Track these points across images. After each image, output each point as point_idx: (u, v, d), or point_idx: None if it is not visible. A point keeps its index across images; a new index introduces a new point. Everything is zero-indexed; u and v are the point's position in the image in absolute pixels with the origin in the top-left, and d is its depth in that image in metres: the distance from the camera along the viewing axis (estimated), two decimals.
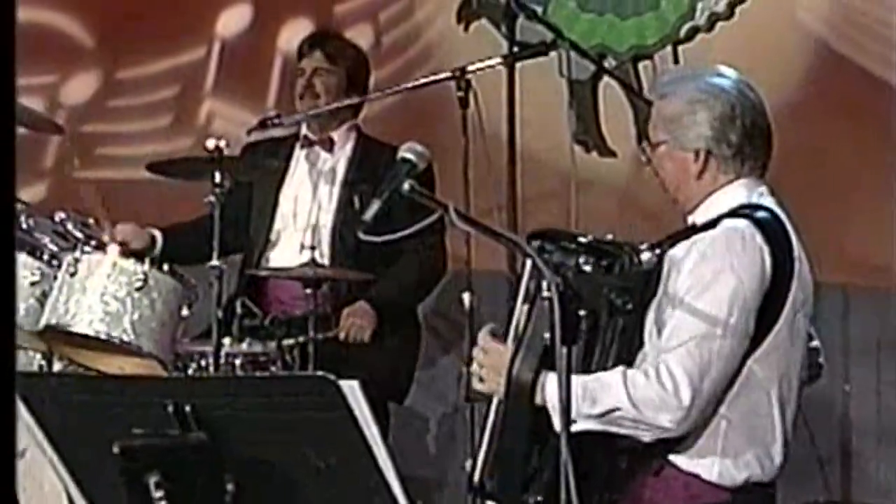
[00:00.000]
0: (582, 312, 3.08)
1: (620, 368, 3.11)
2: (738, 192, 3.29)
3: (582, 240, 3.21)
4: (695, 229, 3.24)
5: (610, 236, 3.28)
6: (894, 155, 5.18)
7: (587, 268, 3.12)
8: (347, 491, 2.84)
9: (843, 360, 5.25)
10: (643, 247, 3.15)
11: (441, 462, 5.35)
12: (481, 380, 3.22)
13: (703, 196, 3.29)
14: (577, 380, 2.99)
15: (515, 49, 4.59)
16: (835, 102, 5.27)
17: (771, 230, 3.21)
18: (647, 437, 3.13)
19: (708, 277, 3.15)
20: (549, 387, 3.08)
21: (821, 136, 5.16)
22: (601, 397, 3.07)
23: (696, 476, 3.19)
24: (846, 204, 5.17)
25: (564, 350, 2.84)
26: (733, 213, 3.23)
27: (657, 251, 3.15)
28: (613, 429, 3.11)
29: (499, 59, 4.57)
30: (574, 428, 2.93)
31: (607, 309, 3.14)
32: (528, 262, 3.20)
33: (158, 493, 2.70)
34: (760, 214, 3.22)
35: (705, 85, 3.32)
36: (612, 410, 3.08)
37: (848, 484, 5.16)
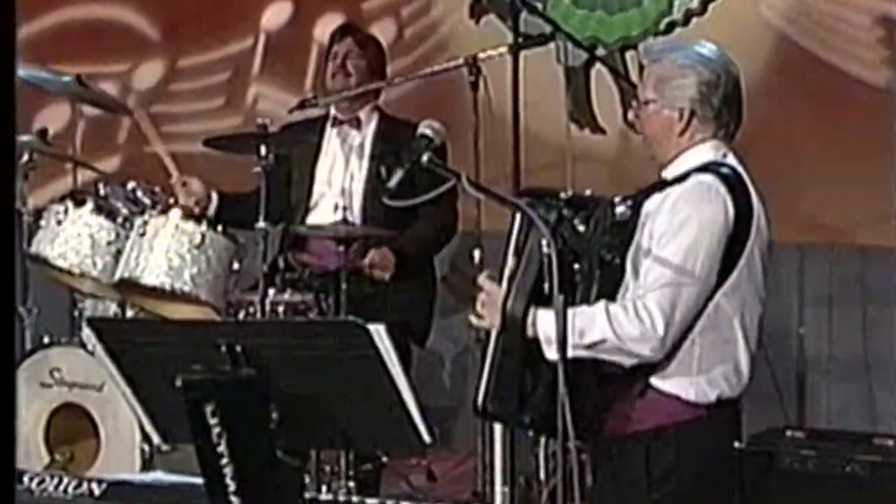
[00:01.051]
0: (576, 266, 3.08)
1: (603, 304, 3.09)
2: (707, 151, 3.25)
3: (563, 195, 3.20)
4: (666, 183, 3.23)
5: (588, 192, 3.26)
6: (844, 131, 5.15)
7: (581, 227, 3.12)
8: (374, 418, 2.83)
9: (799, 307, 5.26)
10: (617, 200, 3.15)
11: (455, 394, 5.35)
12: (481, 317, 3.21)
13: (679, 152, 3.26)
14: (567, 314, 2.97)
15: (519, 40, 4.57)
16: (793, 86, 5.24)
17: (733, 184, 3.19)
18: (628, 363, 3.12)
19: (678, 225, 3.14)
20: (539, 321, 3.08)
21: (781, 115, 5.13)
22: (589, 330, 3.05)
23: (675, 396, 3.17)
24: (802, 172, 5.14)
25: (561, 298, 2.83)
26: (702, 169, 3.20)
27: (630, 203, 3.15)
28: (601, 356, 3.10)
29: (505, 49, 4.54)
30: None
31: (598, 262, 3.14)
32: (517, 219, 3.19)
33: (214, 420, 2.70)
34: (724, 171, 3.20)
35: (694, 53, 3.28)
36: (599, 342, 3.07)
37: (802, 411, 5.16)
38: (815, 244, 5.21)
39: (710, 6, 5.31)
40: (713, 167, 3.21)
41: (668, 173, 3.26)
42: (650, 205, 3.19)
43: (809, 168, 5.17)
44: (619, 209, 3.14)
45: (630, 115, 3.34)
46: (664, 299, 3.09)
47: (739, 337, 3.20)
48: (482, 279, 3.24)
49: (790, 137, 5.14)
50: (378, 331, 2.71)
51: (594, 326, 3.06)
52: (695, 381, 3.17)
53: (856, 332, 5.22)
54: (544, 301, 3.07)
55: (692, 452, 3.18)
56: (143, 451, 4.41)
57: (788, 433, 3.93)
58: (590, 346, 3.05)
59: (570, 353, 2.95)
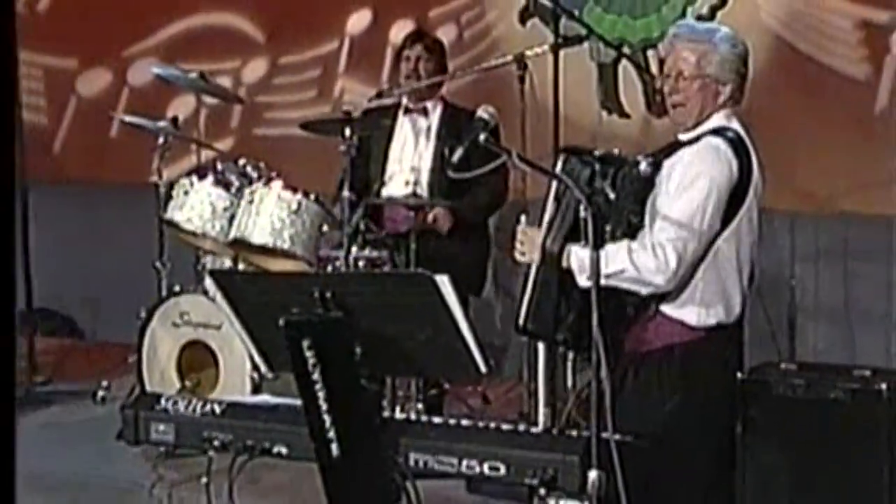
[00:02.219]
0: (607, 228, 3.07)
1: (626, 242, 3.09)
2: (720, 118, 3.22)
3: (596, 153, 3.17)
4: (682, 144, 3.19)
5: (616, 151, 3.23)
6: (830, 116, 5.10)
7: (612, 195, 3.10)
8: (439, 352, 2.82)
9: (791, 262, 5.22)
10: (640, 157, 3.14)
11: (504, 334, 5.33)
12: (522, 253, 3.20)
13: (704, 118, 3.21)
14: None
15: (559, 40, 4.53)
16: (788, 79, 5.18)
17: (738, 147, 3.15)
18: (644, 291, 3.11)
19: (691, 179, 3.11)
20: (572, 255, 3.08)
21: (778, 103, 5.08)
22: (612, 262, 3.04)
23: (680, 321, 3.16)
24: (795, 151, 5.08)
25: (595, 253, 2.81)
26: (712, 133, 3.17)
27: (651, 160, 3.13)
28: (623, 285, 3.08)
29: (547, 48, 4.51)
30: (590, 285, 2.87)
31: (626, 223, 3.12)
32: (558, 170, 3.17)
33: (309, 354, 2.71)
34: (730, 135, 3.16)
35: (723, 32, 3.25)
36: (621, 272, 3.06)
37: (793, 347, 5.11)
38: (804, 211, 5.16)
39: (718, 13, 5.27)
40: (722, 131, 3.17)
41: (686, 136, 3.22)
42: (667, 162, 3.17)
43: (800, 147, 5.11)
44: (642, 166, 3.13)
45: (666, 87, 3.26)
46: (677, 239, 3.07)
47: (734, 274, 3.18)
48: (522, 226, 3.24)
49: (785, 122, 5.08)
50: (442, 280, 2.70)
51: (617, 258, 3.05)
52: (696, 309, 3.16)
53: (838, 284, 5.19)
54: (577, 239, 3.06)
55: (695, 368, 3.17)
56: (252, 378, 4.43)
57: (782, 366, 3.88)
58: (612, 275, 3.03)
59: (594, 299, 2.93)
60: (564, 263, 3.11)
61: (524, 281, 3.24)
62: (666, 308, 3.17)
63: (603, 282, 2.92)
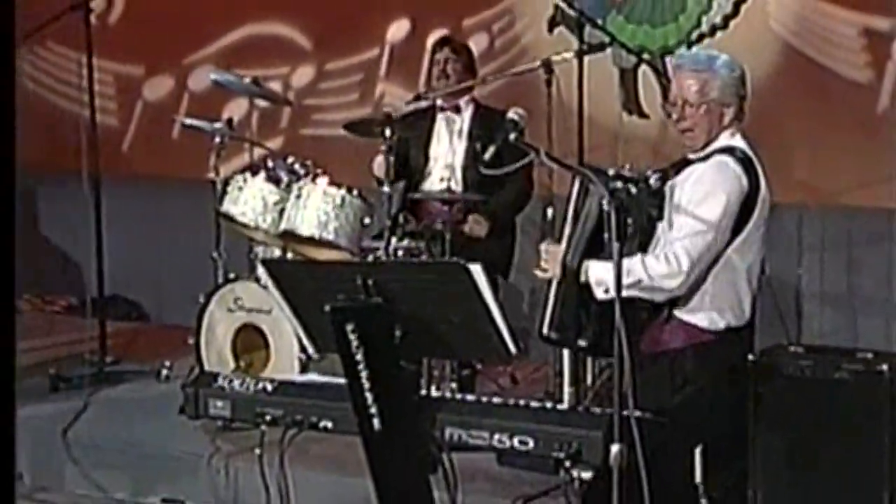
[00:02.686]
0: (629, 221, 3.05)
1: (639, 256, 3.08)
2: (727, 137, 3.21)
3: (610, 171, 3.16)
4: (690, 161, 3.17)
5: (627, 166, 3.22)
6: (835, 117, 5.04)
7: (633, 190, 3.09)
8: (472, 335, 2.81)
9: (798, 252, 5.18)
10: (650, 173, 3.12)
11: (531, 318, 5.30)
12: (545, 270, 3.19)
13: (713, 139, 3.19)
14: (611, 265, 2.93)
15: (584, 47, 4.50)
16: (795, 82, 5.13)
17: (745, 163, 3.13)
18: (659, 298, 3.09)
19: (703, 193, 3.09)
20: (591, 269, 3.07)
21: (786, 104, 5.04)
22: (628, 274, 3.02)
23: (693, 324, 3.14)
24: (802, 149, 5.04)
25: (617, 245, 2.80)
26: (721, 151, 3.15)
27: (659, 175, 3.12)
28: (639, 294, 3.07)
29: (572, 54, 4.47)
30: (611, 295, 2.88)
31: (646, 218, 3.10)
32: (575, 190, 3.16)
33: (353, 336, 2.71)
34: (738, 153, 3.14)
35: (721, 59, 3.23)
36: (637, 282, 3.04)
37: (799, 331, 5.07)
38: (811, 204, 5.12)
39: (731, 22, 5.23)
40: (729, 150, 3.15)
41: (695, 156, 3.20)
42: (678, 178, 3.15)
43: (807, 146, 5.06)
44: (651, 180, 3.12)
45: (668, 108, 3.26)
46: (691, 247, 3.06)
47: (744, 282, 3.15)
48: (544, 245, 3.23)
49: (793, 122, 5.05)
50: (476, 269, 2.68)
51: (632, 270, 3.04)
52: (707, 314, 3.14)
53: (842, 272, 5.14)
54: (594, 255, 3.06)
55: (704, 367, 3.15)
56: (300, 359, 4.44)
57: (790, 348, 3.84)
58: (629, 286, 3.02)
59: (614, 293, 2.91)
60: (582, 278, 3.10)
61: (546, 292, 3.23)
62: (678, 312, 3.16)
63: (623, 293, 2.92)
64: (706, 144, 3.20)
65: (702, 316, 3.13)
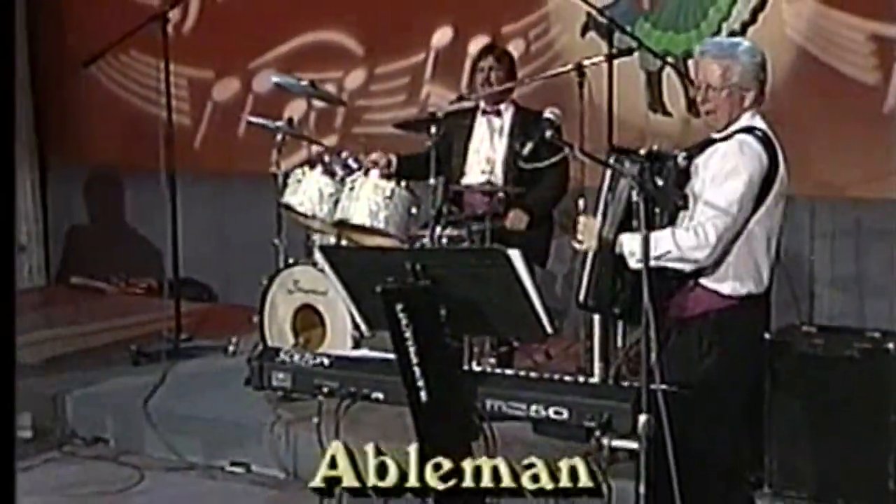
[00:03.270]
0: (656, 210, 3.01)
1: (669, 229, 3.03)
2: (748, 118, 3.14)
3: (642, 151, 3.11)
4: (714, 140, 3.13)
5: (655, 147, 3.17)
6: (845, 117, 4.95)
7: (660, 182, 3.04)
8: (510, 315, 2.77)
9: (811, 240, 5.11)
10: (677, 152, 3.08)
11: (565, 299, 5.27)
12: (581, 241, 3.15)
13: (734, 120, 3.14)
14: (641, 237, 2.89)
15: (614, 51, 4.44)
16: (809, 84, 5.05)
17: (765, 142, 3.07)
18: (687, 268, 3.04)
19: (727, 171, 3.04)
20: (625, 242, 3.03)
21: (802, 106, 4.95)
22: (659, 246, 2.97)
23: (716, 291, 3.08)
24: (815, 146, 4.94)
25: (646, 232, 2.76)
26: (742, 131, 3.10)
27: (686, 154, 3.07)
28: (669, 264, 3.02)
29: (602, 58, 4.42)
30: (642, 265, 2.82)
31: (672, 206, 3.05)
32: (608, 172, 3.11)
33: (402, 315, 2.69)
34: (758, 132, 3.08)
35: (743, 44, 3.17)
36: (667, 253, 2.99)
37: (812, 312, 4.99)
38: (822, 196, 5.04)
39: (749, 29, 5.14)
40: (750, 129, 3.10)
41: (718, 136, 3.16)
42: (703, 156, 3.10)
43: (820, 142, 4.97)
44: (679, 159, 3.07)
45: (698, 97, 3.18)
46: (717, 220, 3.01)
47: (764, 251, 3.10)
48: (582, 218, 3.19)
49: (806, 121, 4.96)
50: (514, 254, 2.66)
51: (662, 242, 2.99)
52: (730, 282, 3.08)
53: (851, 259, 5.06)
54: (628, 228, 3.02)
55: (728, 332, 3.08)
56: (354, 336, 4.43)
57: (803, 328, 3.79)
58: (659, 257, 2.97)
59: (645, 276, 2.86)
60: (617, 250, 3.06)
61: (583, 262, 3.18)
62: (703, 280, 3.11)
63: (651, 263, 2.86)
64: (728, 125, 3.15)
65: (724, 283, 3.09)
